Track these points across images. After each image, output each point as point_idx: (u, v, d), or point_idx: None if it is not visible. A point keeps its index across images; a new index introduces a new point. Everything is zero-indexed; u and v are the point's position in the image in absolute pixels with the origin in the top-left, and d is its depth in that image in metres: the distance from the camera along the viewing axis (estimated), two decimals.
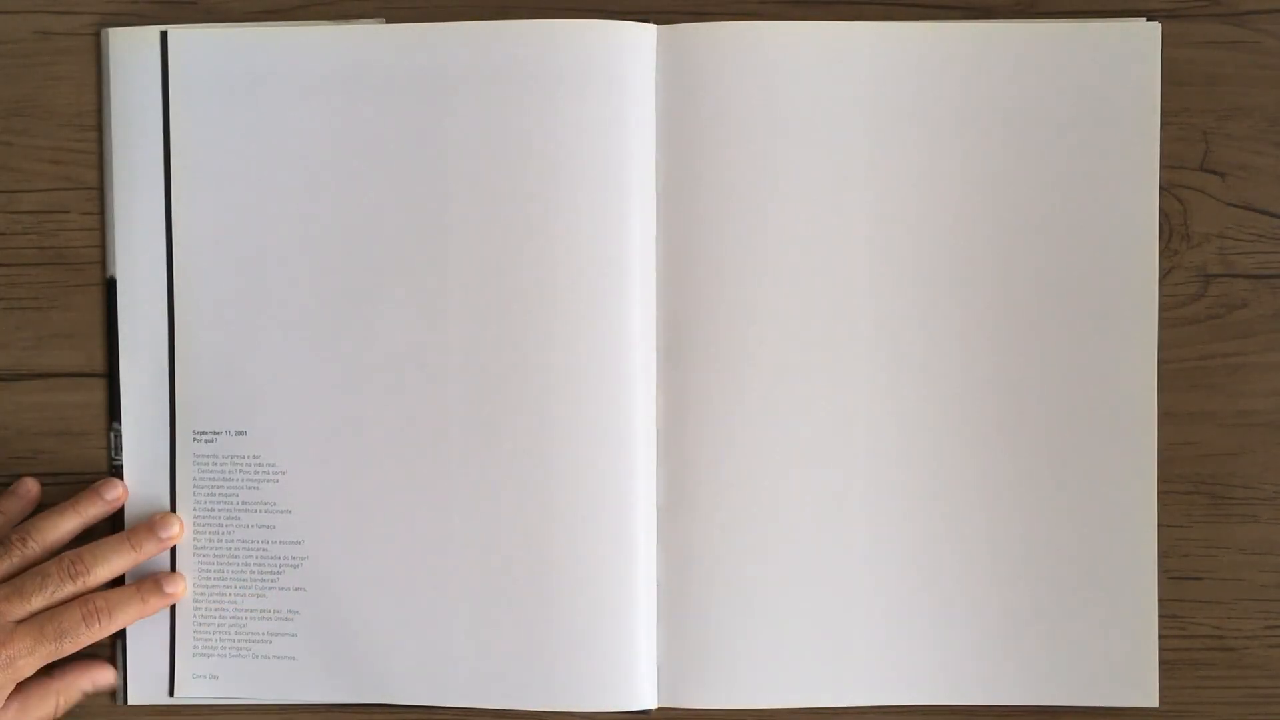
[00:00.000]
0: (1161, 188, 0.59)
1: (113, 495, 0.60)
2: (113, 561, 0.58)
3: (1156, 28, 0.59)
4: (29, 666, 0.56)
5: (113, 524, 0.61)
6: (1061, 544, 0.59)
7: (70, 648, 0.57)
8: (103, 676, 0.60)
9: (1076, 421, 0.59)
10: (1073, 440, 0.59)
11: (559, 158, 0.59)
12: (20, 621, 0.56)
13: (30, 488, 0.60)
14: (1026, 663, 0.59)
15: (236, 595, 0.61)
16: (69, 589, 0.57)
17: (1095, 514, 0.59)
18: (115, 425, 0.61)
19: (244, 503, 0.60)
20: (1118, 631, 0.59)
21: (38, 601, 0.56)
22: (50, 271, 0.61)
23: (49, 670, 0.58)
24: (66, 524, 0.59)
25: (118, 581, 0.60)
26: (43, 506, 0.60)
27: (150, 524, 0.60)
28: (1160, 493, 0.59)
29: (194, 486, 0.61)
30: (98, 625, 0.57)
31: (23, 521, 0.59)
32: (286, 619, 0.60)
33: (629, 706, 0.59)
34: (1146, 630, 0.59)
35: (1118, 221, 0.59)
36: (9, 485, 0.60)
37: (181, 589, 0.60)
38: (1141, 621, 0.59)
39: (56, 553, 0.58)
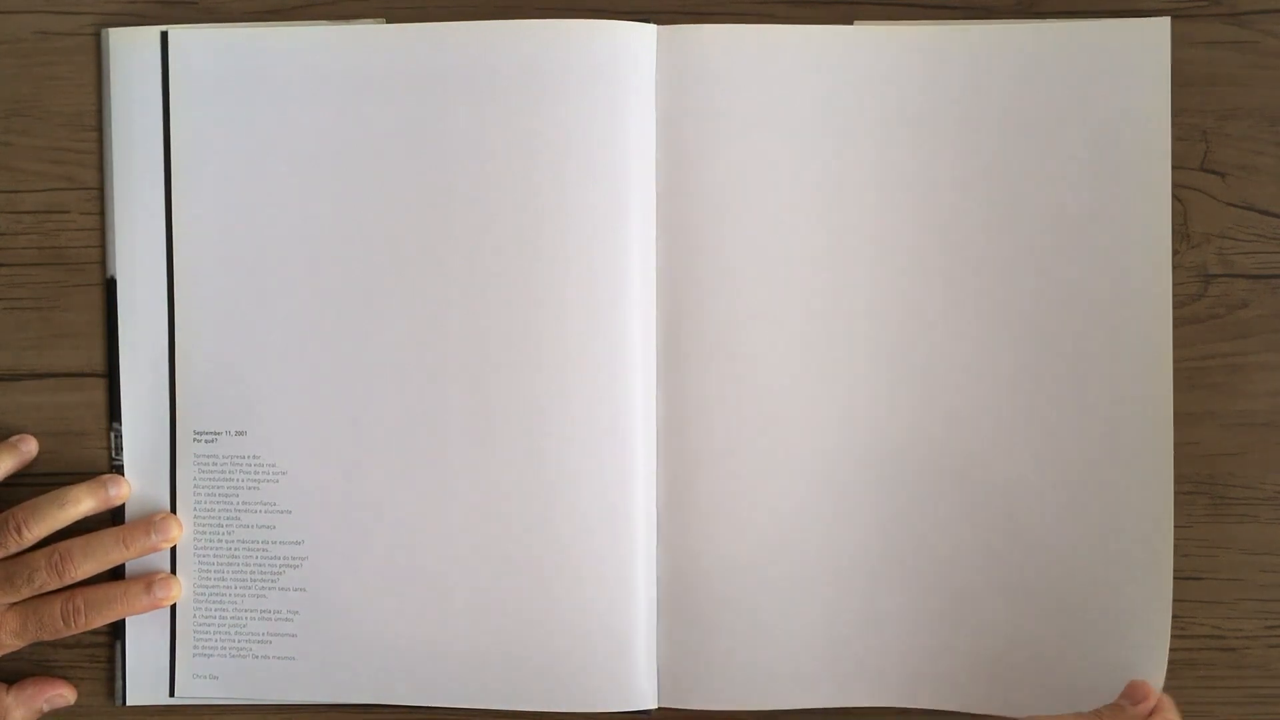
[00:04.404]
0: None
1: (115, 491, 0.60)
2: (100, 557, 0.59)
3: (1166, 23, 0.58)
4: (13, 645, 0.58)
5: (113, 521, 0.61)
6: (1069, 549, 0.59)
7: (49, 638, 0.59)
8: (60, 697, 0.61)
9: (1089, 424, 0.58)
10: (1086, 443, 0.58)
11: (559, 158, 0.59)
12: (12, 604, 0.58)
13: None
14: (1029, 668, 0.59)
15: (236, 595, 0.61)
16: (53, 584, 0.58)
17: (1109, 517, 0.58)
18: (115, 425, 0.61)
19: (244, 503, 0.60)
20: (1128, 635, 0.58)
21: (26, 592, 0.58)
22: (50, 271, 0.61)
23: (7, 686, 0.60)
24: (64, 514, 0.59)
25: (118, 573, 0.60)
26: None
27: (147, 523, 0.60)
28: None
29: (194, 487, 0.61)
30: (74, 624, 0.58)
31: (25, 504, 0.59)
32: (286, 619, 0.60)
33: (629, 706, 0.59)
34: (1159, 632, 0.58)
35: (1130, 221, 0.58)
36: (8, 486, 0.60)
37: (174, 593, 0.60)
38: (1154, 624, 0.58)
39: (50, 541, 0.59)
